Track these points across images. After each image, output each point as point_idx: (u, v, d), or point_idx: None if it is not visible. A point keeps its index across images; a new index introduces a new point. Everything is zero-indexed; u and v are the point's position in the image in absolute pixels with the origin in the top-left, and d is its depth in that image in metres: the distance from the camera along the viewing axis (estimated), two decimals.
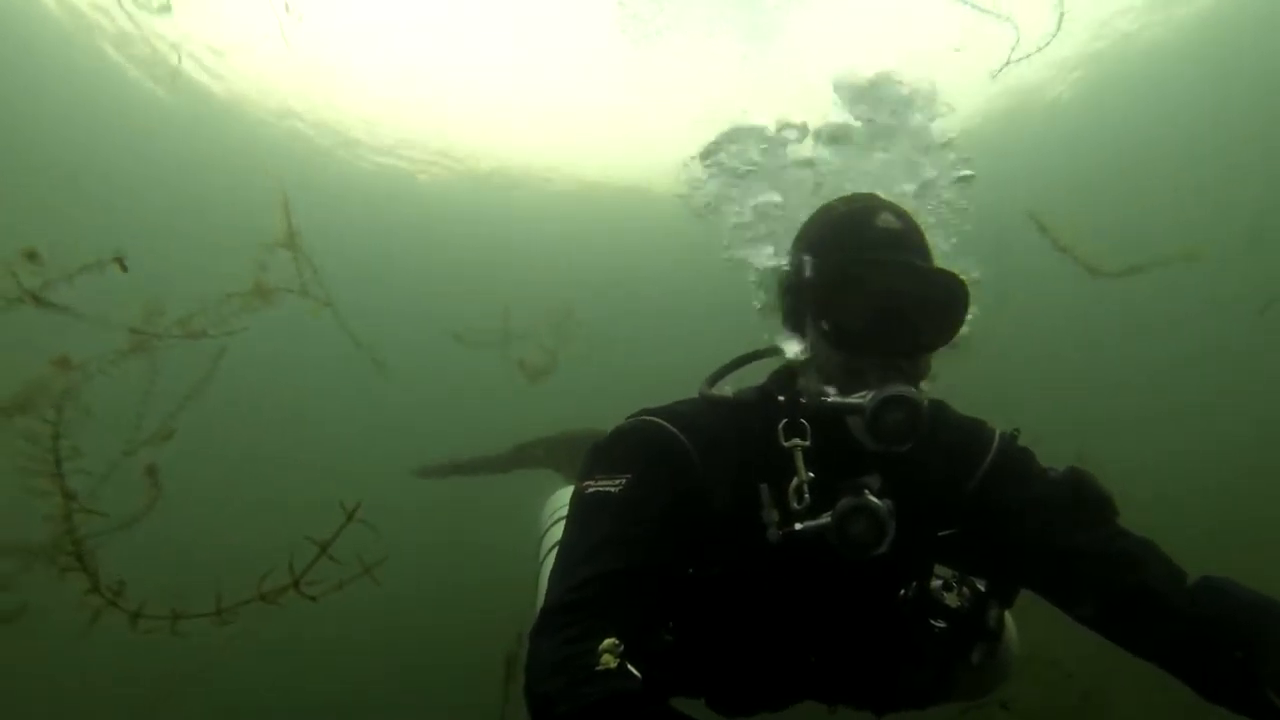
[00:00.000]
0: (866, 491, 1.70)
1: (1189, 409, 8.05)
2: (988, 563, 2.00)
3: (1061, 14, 4.44)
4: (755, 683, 2.05)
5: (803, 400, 1.79)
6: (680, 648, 1.96)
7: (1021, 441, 2.01)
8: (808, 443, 1.77)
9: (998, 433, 2.02)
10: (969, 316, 1.82)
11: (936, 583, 2.05)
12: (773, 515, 1.77)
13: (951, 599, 2.02)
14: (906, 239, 1.81)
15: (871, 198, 1.91)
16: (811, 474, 1.74)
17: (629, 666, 1.40)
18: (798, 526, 1.73)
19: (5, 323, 2.21)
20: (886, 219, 1.81)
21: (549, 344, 6.31)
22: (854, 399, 1.70)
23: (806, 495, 1.74)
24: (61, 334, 2.30)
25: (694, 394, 2.02)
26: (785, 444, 1.77)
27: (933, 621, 2.00)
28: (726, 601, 1.90)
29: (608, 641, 1.41)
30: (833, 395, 1.75)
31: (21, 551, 2.32)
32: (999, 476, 1.93)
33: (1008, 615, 2.19)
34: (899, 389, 1.66)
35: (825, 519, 1.71)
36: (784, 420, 1.79)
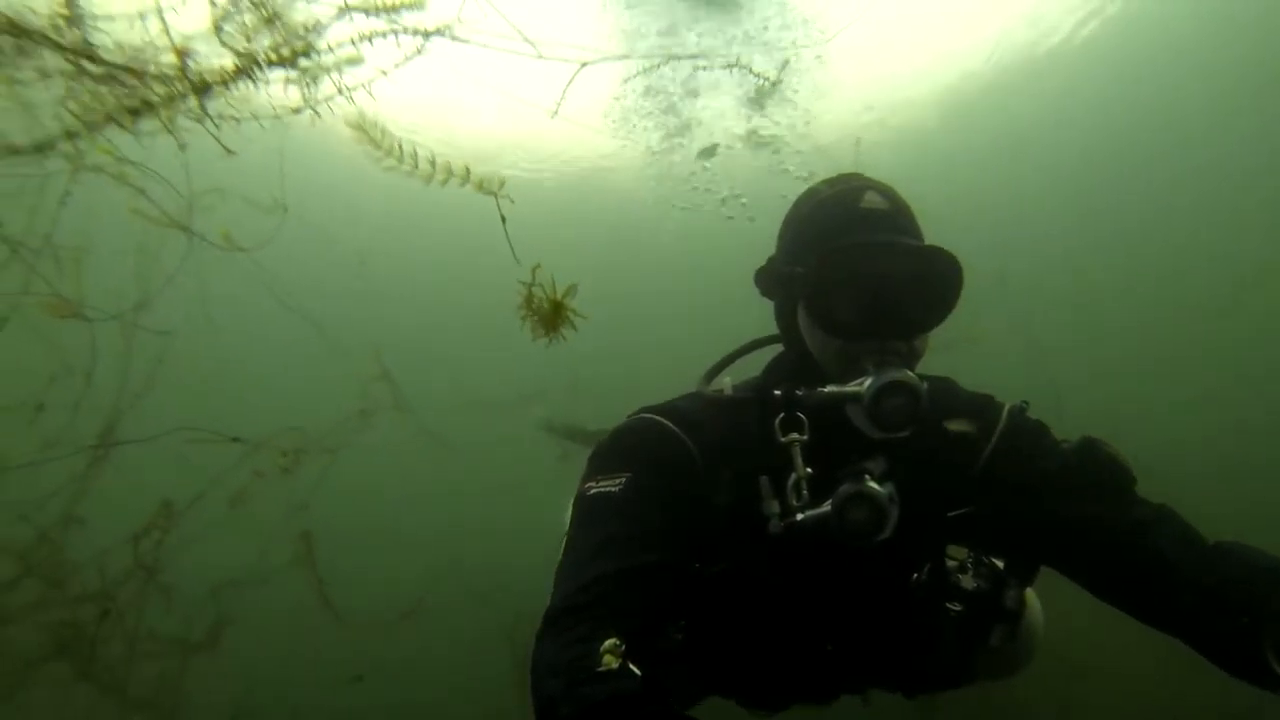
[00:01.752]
0: (867, 477, 1.67)
1: None
2: (1003, 541, 1.95)
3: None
4: (773, 675, 2.02)
5: (799, 393, 1.74)
6: (692, 644, 1.96)
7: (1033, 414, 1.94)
8: (805, 437, 1.73)
9: (1007, 406, 1.95)
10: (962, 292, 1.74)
11: (952, 564, 2.01)
12: (774, 507, 1.75)
13: (967, 581, 1.98)
14: (894, 218, 1.76)
15: (856, 178, 1.85)
16: (810, 470, 1.72)
17: (630, 666, 1.39)
18: (799, 517, 1.70)
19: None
20: (872, 199, 1.75)
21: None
22: (851, 387, 1.66)
23: (805, 492, 1.71)
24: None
25: (692, 389, 2.00)
26: (783, 439, 1.73)
27: (949, 605, 1.97)
28: (735, 595, 1.88)
29: (609, 642, 1.41)
30: (830, 385, 1.71)
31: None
32: (1009, 452, 1.87)
33: (1031, 594, 2.15)
34: (896, 374, 1.62)
35: (825, 507, 1.68)
36: (780, 415, 1.75)
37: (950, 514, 1.91)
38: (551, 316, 1.68)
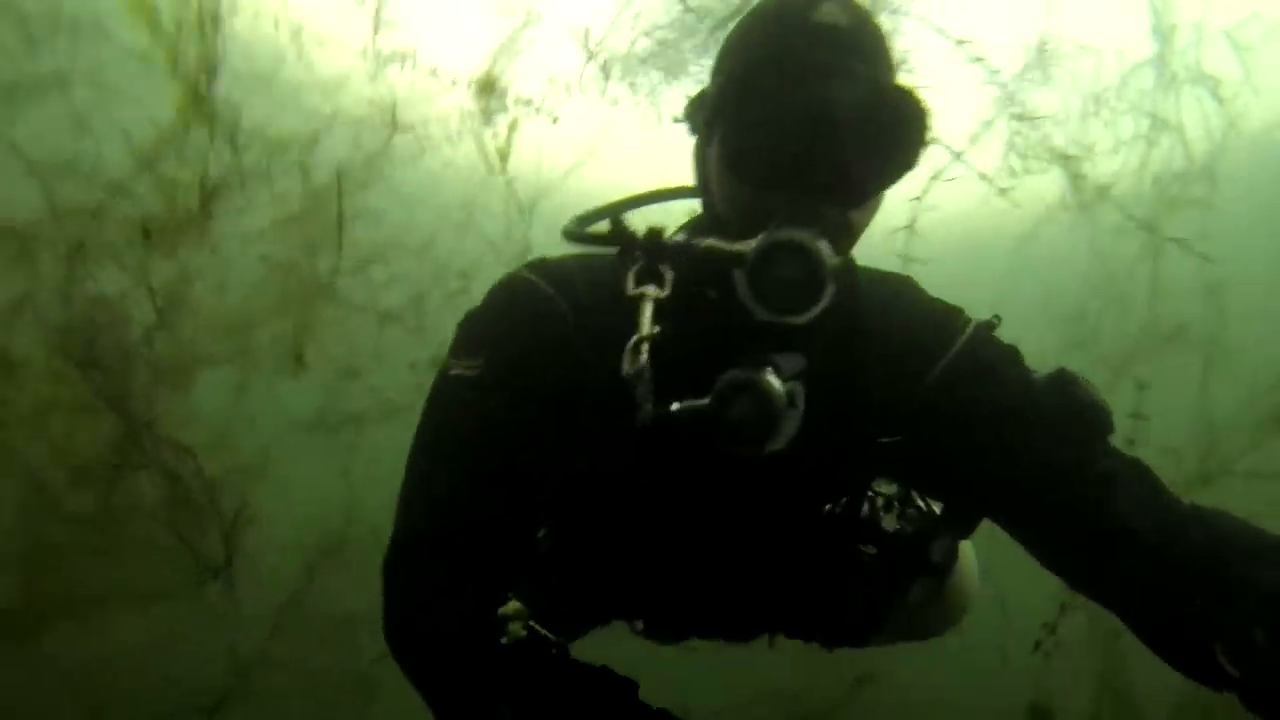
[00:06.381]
0: (769, 370, 1.20)
1: None
2: (941, 480, 1.60)
3: None
4: (649, 598, 1.72)
5: (665, 240, 1.33)
6: (558, 556, 1.63)
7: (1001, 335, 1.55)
8: (665, 292, 1.29)
9: (973, 322, 1.54)
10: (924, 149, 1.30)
11: (878, 500, 1.70)
12: (647, 393, 1.28)
13: (888, 521, 1.69)
14: (850, 38, 1.30)
15: None
16: (659, 327, 1.26)
17: (538, 628, 1.26)
18: (673, 407, 1.23)
19: None
20: (828, 11, 1.30)
21: None
22: (736, 246, 1.22)
23: (644, 355, 1.24)
24: None
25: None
26: (631, 292, 1.30)
27: (862, 547, 1.65)
28: (603, 500, 1.53)
29: (513, 606, 1.26)
30: (712, 239, 1.26)
31: None
32: (964, 374, 1.49)
33: (967, 547, 1.90)
34: (794, 233, 1.18)
35: (706, 400, 1.24)
36: (636, 265, 1.32)
37: (881, 440, 1.54)
38: None
